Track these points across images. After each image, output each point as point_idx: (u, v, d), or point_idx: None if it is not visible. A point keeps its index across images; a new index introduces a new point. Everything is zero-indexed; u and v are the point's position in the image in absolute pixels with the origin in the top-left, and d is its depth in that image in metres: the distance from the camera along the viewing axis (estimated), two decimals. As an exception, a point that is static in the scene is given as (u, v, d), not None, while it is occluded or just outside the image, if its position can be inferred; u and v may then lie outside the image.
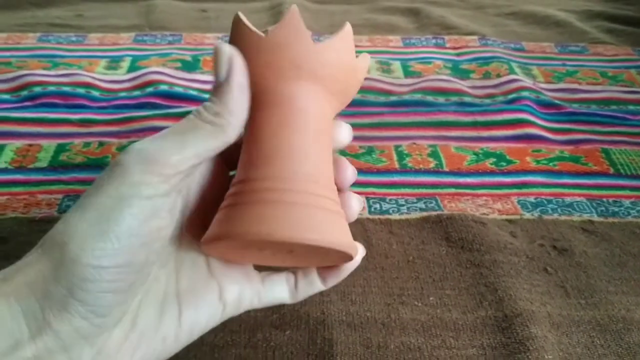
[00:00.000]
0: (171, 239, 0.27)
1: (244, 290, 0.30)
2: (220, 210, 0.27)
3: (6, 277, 0.23)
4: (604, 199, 0.45)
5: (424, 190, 0.45)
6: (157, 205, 0.24)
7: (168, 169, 0.24)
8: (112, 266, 0.23)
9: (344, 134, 0.30)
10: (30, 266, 0.23)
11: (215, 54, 0.26)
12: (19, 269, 0.23)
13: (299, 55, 0.26)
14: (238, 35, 0.27)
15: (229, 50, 0.26)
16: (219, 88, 0.26)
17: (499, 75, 0.60)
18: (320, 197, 0.26)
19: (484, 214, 0.43)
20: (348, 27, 0.28)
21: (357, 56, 0.29)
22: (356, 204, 0.30)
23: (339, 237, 0.26)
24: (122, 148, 0.48)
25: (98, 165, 0.46)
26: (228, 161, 0.30)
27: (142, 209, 0.23)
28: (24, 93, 0.54)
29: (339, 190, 0.29)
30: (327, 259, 0.28)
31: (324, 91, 0.28)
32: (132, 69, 0.59)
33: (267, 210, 0.24)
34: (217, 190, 0.29)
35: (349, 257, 0.27)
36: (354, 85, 0.29)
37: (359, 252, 0.31)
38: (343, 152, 0.47)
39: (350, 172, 0.29)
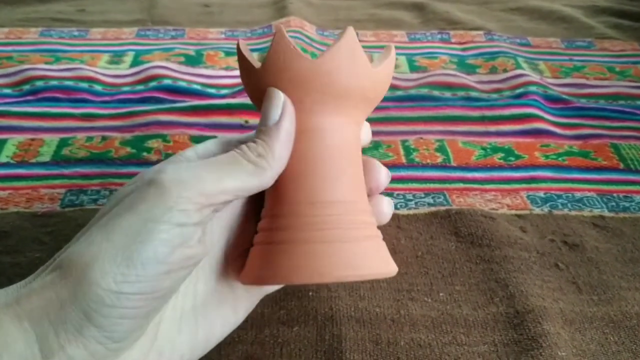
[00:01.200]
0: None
1: (256, 295, 0.30)
2: (255, 246, 0.27)
3: (19, 299, 0.21)
4: (615, 194, 0.44)
5: (432, 185, 0.44)
6: (188, 233, 0.23)
7: (204, 199, 0.23)
8: (134, 293, 0.22)
9: (364, 134, 0.30)
10: (46, 289, 0.21)
11: (268, 97, 0.26)
12: (32, 291, 0.22)
13: (355, 87, 0.27)
14: (281, 57, 0.26)
15: (282, 96, 0.26)
16: (266, 131, 0.26)
17: (505, 70, 0.59)
18: (353, 225, 0.26)
19: (493, 209, 0.42)
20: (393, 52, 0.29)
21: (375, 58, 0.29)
22: (387, 208, 0.30)
23: (371, 266, 0.26)
24: (125, 142, 0.47)
25: (101, 159, 0.45)
26: None
27: (173, 236, 0.22)
28: (26, 87, 0.53)
29: (371, 194, 0.29)
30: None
31: (360, 115, 0.28)
32: (135, 63, 0.59)
33: (301, 252, 0.25)
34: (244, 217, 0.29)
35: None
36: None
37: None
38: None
39: (383, 176, 0.30)
